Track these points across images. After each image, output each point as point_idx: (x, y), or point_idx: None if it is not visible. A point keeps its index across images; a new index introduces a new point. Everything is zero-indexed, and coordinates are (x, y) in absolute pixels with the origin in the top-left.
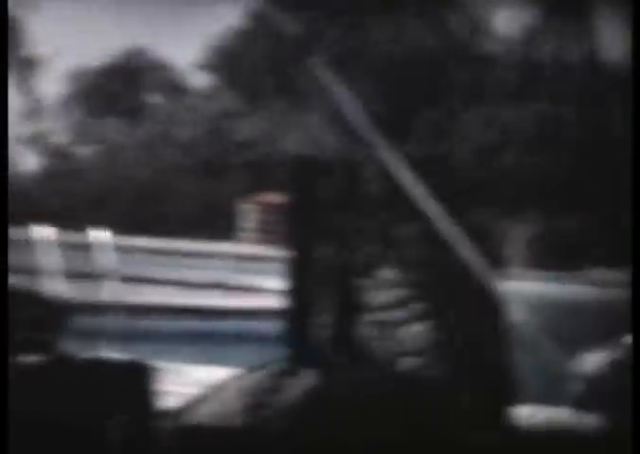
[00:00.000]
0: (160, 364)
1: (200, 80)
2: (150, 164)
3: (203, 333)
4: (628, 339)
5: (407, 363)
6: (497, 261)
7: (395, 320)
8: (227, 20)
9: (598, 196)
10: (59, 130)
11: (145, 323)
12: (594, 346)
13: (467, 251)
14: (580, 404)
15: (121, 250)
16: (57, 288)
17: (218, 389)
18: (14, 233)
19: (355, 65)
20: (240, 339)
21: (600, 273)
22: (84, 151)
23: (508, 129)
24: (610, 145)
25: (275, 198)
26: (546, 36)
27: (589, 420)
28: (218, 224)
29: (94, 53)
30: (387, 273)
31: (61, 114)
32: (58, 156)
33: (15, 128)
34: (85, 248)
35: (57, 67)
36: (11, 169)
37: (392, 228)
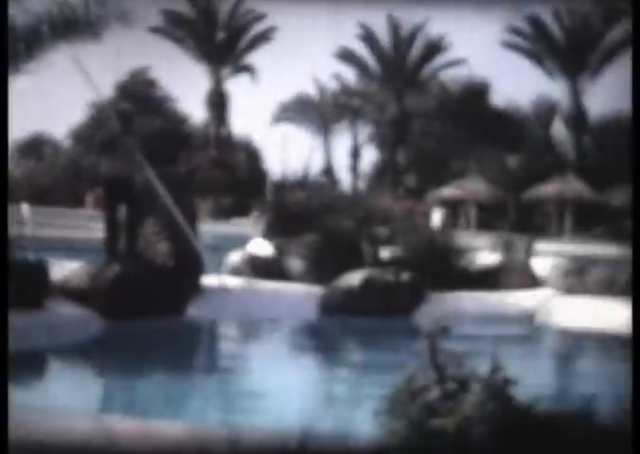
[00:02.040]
0: (52, 261)
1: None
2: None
3: (73, 248)
4: (250, 248)
5: (160, 259)
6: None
7: (154, 240)
8: None
9: None
10: None
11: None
12: (235, 250)
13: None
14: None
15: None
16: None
17: (78, 270)
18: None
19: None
20: (89, 251)
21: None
22: None
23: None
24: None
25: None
26: None
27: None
28: (82, 203)
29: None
30: (153, 222)
31: None
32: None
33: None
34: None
35: None
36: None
37: (158, 205)
